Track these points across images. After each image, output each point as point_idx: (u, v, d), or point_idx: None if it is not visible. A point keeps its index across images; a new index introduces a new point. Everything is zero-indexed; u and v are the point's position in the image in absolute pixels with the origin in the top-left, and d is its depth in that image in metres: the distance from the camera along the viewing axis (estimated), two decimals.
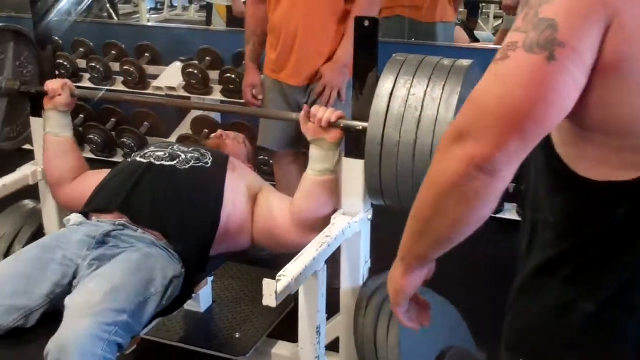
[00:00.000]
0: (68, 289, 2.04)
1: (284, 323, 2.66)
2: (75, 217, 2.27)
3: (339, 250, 2.23)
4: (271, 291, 1.82)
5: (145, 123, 4.57)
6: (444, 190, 1.04)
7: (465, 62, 2.05)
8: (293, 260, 1.99)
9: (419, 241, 1.16)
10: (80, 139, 4.58)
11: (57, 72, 3.07)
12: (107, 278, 1.98)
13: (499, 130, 0.97)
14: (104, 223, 2.23)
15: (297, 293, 2.06)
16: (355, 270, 2.33)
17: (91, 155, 4.64)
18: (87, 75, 4.61)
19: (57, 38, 3.96)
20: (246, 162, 2.73)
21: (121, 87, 4.51)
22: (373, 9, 3.00)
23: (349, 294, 2.35)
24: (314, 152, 2.27)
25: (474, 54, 3.56)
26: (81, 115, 4.67)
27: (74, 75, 4.57)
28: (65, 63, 4.55)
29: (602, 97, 0.98)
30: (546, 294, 1.14)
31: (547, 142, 1.08)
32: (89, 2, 4.43)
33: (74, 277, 2.08)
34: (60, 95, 2.60)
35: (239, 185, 2.43)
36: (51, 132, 2.61)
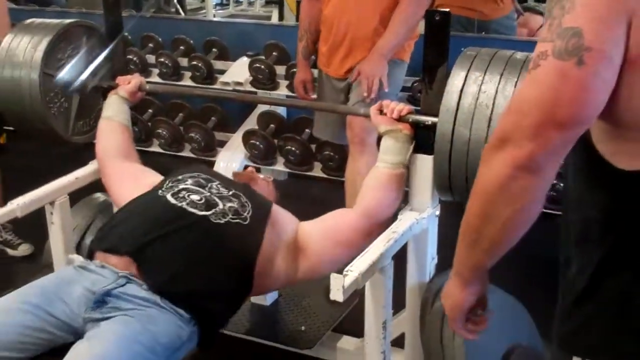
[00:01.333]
0: (65, 345, 1.84)
1: (349, 318, 2.66)
2: (77, 259, 2.05)
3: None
4: (338, 285, 1.82)
5: (213, 118, 4.61)
6: (491, 195, 1.13)
7: None
8: (360, 255, 1.98)
9: (472, 251, 1.24)
10: (149, 133, 4.67)
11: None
12: (96, 348, 1.75)
13: (537, 130, 1.05)
14: (107, 271, 1.94)
15: (362, 288, 2.06)
16: (422, 266, 2.32)
17: (159, 150, 4.70)
18: (156, 71, 4.68)
19: (126, 33, 4.03)
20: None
21: (189, 82, 4.57)
22: (422, 3, 2.99)
23: (415, 290, 2.34)
24: (388, 143, 2.20)
25: None
26: (150, 110, 4.74)
27: (143, 70, 4.65)
28: (135, 58, 4.63)
29: (630, 92, 1.05)
30: (606, 290, 1.18)
31: (585, 141, 1.14)
32: None
33: (72, 335, 1.87)
34: (128, 83, 2.64)
35: (277, 243, 2.15)
36: (106, 117, 2.60)
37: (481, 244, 1.21)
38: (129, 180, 2.34)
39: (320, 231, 2.22)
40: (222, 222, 2.06)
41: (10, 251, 3.56)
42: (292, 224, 2.25)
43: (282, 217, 2.24)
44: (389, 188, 2.19)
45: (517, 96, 1.10)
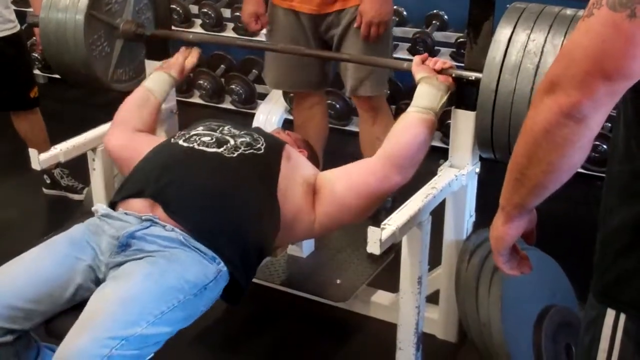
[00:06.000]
0: (90, 294, 1.82)
1: (384, 273, 2.67)
2: (101, 208, 2.01)
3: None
4: (375, 239, 1.82)
5: (254, 70, 4.62)
6: (536, 138, 1.13)
7: None
8: (398, 209, 1.98)
9: (517, 190, 1.23)
10: (190, 84, 4.69)
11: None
12: (121, 287, 1.75)
13: (584, 79, 1.04)
14: (130, 217, 1.93)
15: (398, 244, 2.06)
16: (460, 223, 2.32)
17: (200, 101, 4.73)
18: (198, 21, 4.68)
19: None
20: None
21: (231, 34, 4.56)
22: None
23: (452, 247, 2.34)
24: (422, 88, 2.17)
25: None
26: None
27: (186, 20, 4.66)
28: (178, 8, 4.63)
29: None
30: None
31: (636, 95, 1.11)
32: None
33: (98, 283, 1.86)
34: (179, 64, 2.60)
35: (293, 175, 2.12)
36: (148, 88, 2.52)
37: (525, 183, 1.20)
38: (146, 148, 2.21)
39: (337, 174, 2.17)
40: (234, 155, 2.06)
41: (75, 196, 3.57)
42: (309, 166, 2.22)
43: (297, 156, 2.22)
44: (414, 132, 2.11)
45: (570, 42, 1.08)
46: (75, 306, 1.84)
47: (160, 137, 2.39)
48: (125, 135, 2.36)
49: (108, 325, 1.63)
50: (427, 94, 2.15)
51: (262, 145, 2.12)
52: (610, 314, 1.20)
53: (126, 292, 1.72)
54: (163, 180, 1.98)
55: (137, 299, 1.71)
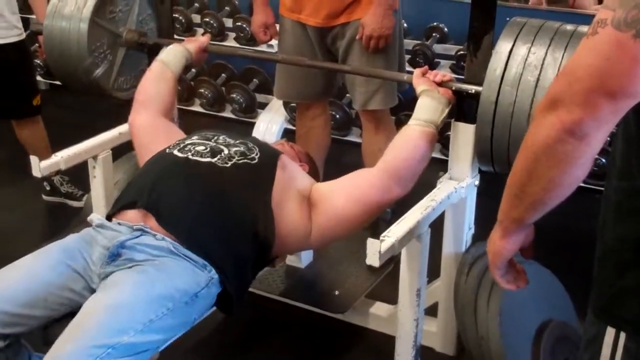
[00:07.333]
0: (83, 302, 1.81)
1: (383, 285, 2.66)
2: (96, 218, 2.00)
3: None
4: (375, 250, 1.82)
5: (254, 80, 4.63)
6: (537, 154, 1.13)
7: None
8: (397, 222, 1.98)
9: (516, 205, 1.24)
10: (191, 93, 4.69)
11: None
12: (109, 296, 1.74)
13: (587, 97, 1.04)
14: (122, 227, 1.92)
15: (397, 256, 2.06)
16: (459, 236, 2.32)
17: (201, 109, 4.74)
18: (200, 30, 4.70)
19: None
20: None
21: (233, 43, 4.58)
22: None
23: (451, 259, 2.34)
24: (422, 101, 2.16)
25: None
26: (193, 70, 4.76)
27: (188, 29, 4.67)
28: (181, 17, 4.65)
29: None
30: None
31: (636, 113, 1.12)
32: None
33: (92, 292, 1.85)
34: (195, 41, 2.61)
35: (289, 186, 2.09)
36: (162, 60, 2.51)
37: (524, 199, 1.21)
38: (162, 141, 2.25)
39: (336, 186, 2.16)
40: (228, 165, 2.05)
41: (75, 203, 3.57)
42: (305, 178, 2.20)
43: (293, 166, 2.20)
44: (415, 145, 2.11)
45: (573, 60, 1.08)
46: (73, 314, 1.81)
47: (178, 132, 2.37)
48: (149, 118, 2.38)
49: (94, 334, 1.63)
50: (429, 107, 2.15)
51: (257, 155, 2.11)
52: (610, 332, 1.19)
53: (114, 300, 1.72)
54: (156, 191, 1.97)
55: (125, 307, 1.70)
